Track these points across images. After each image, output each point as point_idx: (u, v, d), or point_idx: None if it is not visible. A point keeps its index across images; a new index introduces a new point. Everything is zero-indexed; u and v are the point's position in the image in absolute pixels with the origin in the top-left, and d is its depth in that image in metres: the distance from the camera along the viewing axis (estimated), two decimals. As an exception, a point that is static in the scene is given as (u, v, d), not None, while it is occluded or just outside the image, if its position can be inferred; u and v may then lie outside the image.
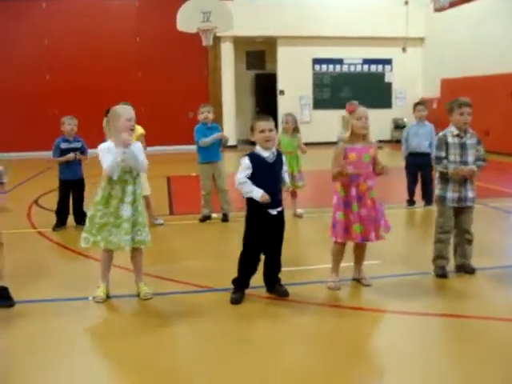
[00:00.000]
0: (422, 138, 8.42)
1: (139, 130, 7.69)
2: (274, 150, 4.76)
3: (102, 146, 4.78)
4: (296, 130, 8.13)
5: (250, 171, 4.64)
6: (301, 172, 8.09)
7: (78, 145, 7.63)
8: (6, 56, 18.28)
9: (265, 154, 4.70)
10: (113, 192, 4.74)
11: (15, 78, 18.38)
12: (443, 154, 5.20)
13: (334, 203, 5.01)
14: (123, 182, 4.75)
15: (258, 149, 4.72)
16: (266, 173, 4.66)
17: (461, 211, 5.30)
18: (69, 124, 7.57)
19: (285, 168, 4.89)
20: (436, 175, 5.40)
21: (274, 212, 4.70)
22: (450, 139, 5.21)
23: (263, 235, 4.75)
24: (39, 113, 17.92)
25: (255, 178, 4.64)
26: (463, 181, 5.20)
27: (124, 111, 4.77)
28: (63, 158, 7.53)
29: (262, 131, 4.66)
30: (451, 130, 5.22)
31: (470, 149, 5.20)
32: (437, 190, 5.37)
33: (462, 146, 5.19)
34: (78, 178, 7.66)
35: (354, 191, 4.91)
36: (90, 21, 18.65)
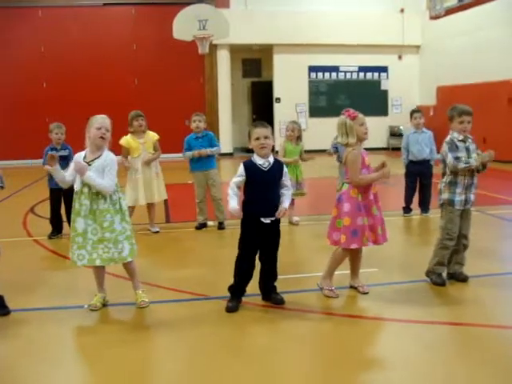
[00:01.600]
0: (423, 145, 8.43)
1: (154, 136, 7.76)
2: (270, 158, 4.74)
3: (75, 156, 4.89)
4: (299, 138, 8.17)
5: (241, 178, 4.66)
6: (303, 180, 8.17)
7: (66, 153, 7.57)
8: (2, 63, 18.28)
9: (259, 161, 4.69)
10: (74, 204, 4.77)
11: (11, 85, 18.38)
12: (459, 153, 5.15)
13: (347, 211, 4.89)
14: (81, 194, 4.75)
15: (255, 156, 4.72)
16: (259, 180, 4.65)
17: (461, 217, 5.30)
18: (56, 133, 7.57)
19: (287, 183, 4.84)
20: (444, 179, 5.29)
21: (266, 221, 4.68)
22: (457, 143, 5.21)
23: (256, 242, 4.74)
24: (36, 120, 17.86)
25: (250, 186, 4.67)
26: (469, 184, 5.21)
27: (95, 120, 4.77)
28: (46, 167, 7.50)
29: (258, 138, 4.66)
30: (455, 135, 5.21)
31: (473, 153, 5.21)
32: (445, 195, 5.27)
33: (467, 150, 5.20)
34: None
35: (371, 195, 4.93)
36: (86, 28, 18.69)
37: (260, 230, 4.69)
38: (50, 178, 7.63)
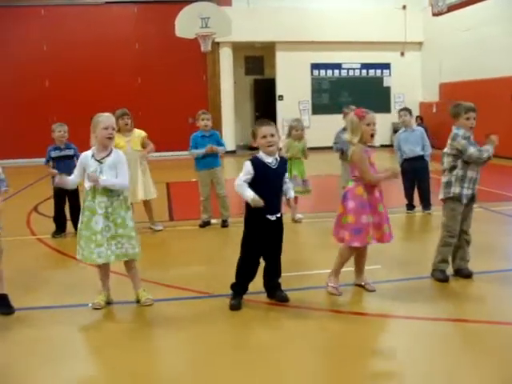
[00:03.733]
0: (414, 144, 8.44)
1: (141, 133, 7.69)
2: (277, 155, 4.75)
3: (81, 155, 4.89)
4: (302, 136, 8.22)
5: (250, 176, 4.63)
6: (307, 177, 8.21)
7: (70, 152, 7.57)
8: (5, 62, 18.32)
9: (268, 159, 4.69)
10: (87, 203, 4.76)
11: (14, 84, 18.42)
12: (473, 147, 5.14)
13: (351, 208, 4.88)
14: (96, 193, 4.73)
15: (261, 154, 4.71)
16: (268, 178, 4.65)
17: (463, 213, 5.30)
18: (59, 131, 7.54)
19: (287, 175, 4.90)
20: (455, 173, 5.23)
21: (272, 218, 4.69)
22: (472, 139, 5.23)
23: (261, 240, 4.75)
24: (39, 119, 17.88)
25: (257, 184, 4.63)
26: (475, 179, 5.24)
27: (102, 119, 4.78)
28: (49, 170, 7.51)
29: (264, 137, 4.66)
30: (462, 132, 5.19)
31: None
32: (455, 188, 5.22)
33: (474, 144, 5.22)
34: None
35: (377, 192, 4.93)
36: (88, 27, 18.71)
37: (266, 227, 4.70)
38: (54, 176, 7.64)
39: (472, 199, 5.30)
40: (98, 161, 4.76)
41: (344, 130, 7.12)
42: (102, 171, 4.73)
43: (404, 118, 8.61)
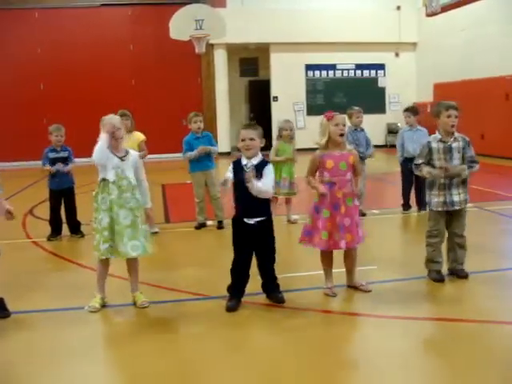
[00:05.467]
0: (418, 143, 8.43)
1: (140, 136, 7.72)
2: (254, 160, 4.75)
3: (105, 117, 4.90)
4: (292, 137, 8.19)
5: (231, 174, 4.72)
6: (295, 179, 8.14)
7: (65, 154, 7.63)
8: (-1, 65, 18.30)
9: (244, 161, 4.76)
10: (112, 197, 4.77)
11: (8, 87, 18.39)
12: (420, 160, 5.32)
13: (309, 211, 5.05)
14: (118, 187, 4.78)
15: (242, 156, 4.80)
16: (242, 180, 4.65)
17: (451, 215, 5.31)
18: (56, 135, 7.60)
19: (267, 180, 4.72)
20: (426, 180, 5.40)
21: (250, 221, 4.71)
22: (433, 145, 5.26)
23: (246, 243, 4.77)
24: (33, 122, 17.88)
25: (235, 185, 4.73)
26: (448, 185, 5.22)
27: (106, 121, 4.83)
28: (46, 168, 7.55)
29: (243, 140, 4.76)
30: (435, 135, 5.26)
31: (456, 152, 5.22)
32: (426, 196, 5.39)
33: (447, 150, 5.21)
34: (66, 188, 7.62)
35: (328, 198, 4.91)
36: (83, 29, 18.69)
37: (247, 231, 4.73)
38: (51, 178, 7.65)
39: (451, 204, 5.25)
40: (119, 158, 4.83)
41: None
42: (124, 169, 4.82)
43: (407, 119, 8.64)
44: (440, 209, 5.26)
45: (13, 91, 18.39)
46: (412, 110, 8.87)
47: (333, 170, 4.91)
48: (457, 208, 5.26)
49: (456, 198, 5.23)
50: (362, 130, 8.43)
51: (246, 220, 4.71)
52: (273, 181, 4.87)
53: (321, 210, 4.91)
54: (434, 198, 5.27)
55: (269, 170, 4.76)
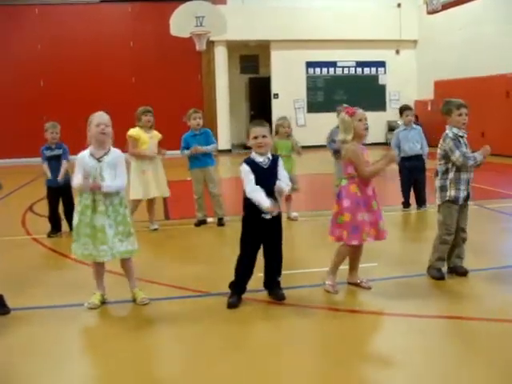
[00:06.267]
0: (414, 142, 8.47)
1: (159, 134, 7.82)
2: (269, 155, 4.78)
3: (78, 156, 4.82)
4: (290, 133, 8.17)
5: (253, 176, 4.65)
6: (295, 175, 8.10)
7: (59, 152, 7.60)
8: (-1, 62, 18.27)
9: (259, 159, 4.73)
10: (86, 201, 4.74)
11: (8, 83, 18.39)
12: (464, 149, 5.17)
13: (347, 206, 4.87)
14: (96, 191, 4.71)
15: (254, 154, 4.76)
16: (260, 178, 4.67)
17: (459, 211, 5.31)
18: (51, 132, 7.59)
19: (284, 173, 4.85)
20: (449, 176, 5.24)
21: (268, 216, 4.69)
22: (460, 139, 5.23)
23: (258, 239, 4.77)
24: (33, 118, 17.84)
25: None
26: (469, 179, 5.26)
27: (94, 117, 4.80)
28: (46, 171, 7.55)
29: (256, 137, 4.72)
30: (454, 131, 5.20)
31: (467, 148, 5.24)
32: (451, 192, 5.23)
33: (466, 145, 5.23)
34: (63, 185, 7.60)
35: (371, 190, 4.93)
36: (83, 26, 18.67)
37: (262, 226, 4.71)
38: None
39: (467, 197, 5.31)
40: (96, 159, 4.75)
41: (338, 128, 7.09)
42: (102, 170, 4.72)
43: (411, 117, 8.64)
44: (462, 203, 5.27)
45: (12, 88, 18.38)
46: (411, 109, 8.89)
47: (367, 162, 4.92)
48: (468, 202, 5.33)
49: (469, 192, 5.31)
50: None
51: (264, 215, 4.68)
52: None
53: (370, 203, 4.91)
54: (461, 193, 5.23)
55: (281, 162, 4.88)
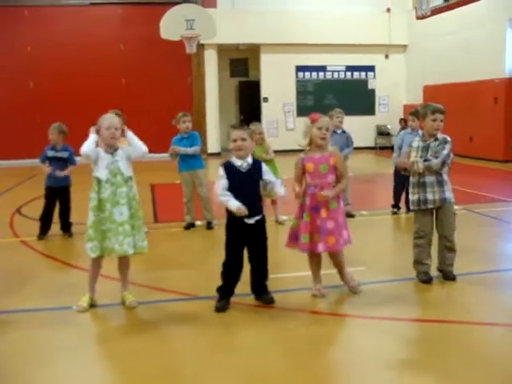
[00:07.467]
0: None
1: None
2: (248, 159, 4.76)
3: (88, 141, 4.79)
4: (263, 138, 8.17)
5: (225, 181, 4.67)
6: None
7: (65, 154, 7.51)
8: (-14, 63, 18.17)
9: (237, 162, 4.73)
10: (104, 195, 4.71)
11: (-2, 85, 18.27)
12: (415, 153, 5.29)
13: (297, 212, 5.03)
14: (111, 184, 4.73)
15: (233, 158, 4.76)
16: (239, 182, 4.66)
17: (436, 216, 5.34)
18: (51, 134, 7.53)
19: (273, 178, 4.85)
20: (411, 180, 5.42)
21: (250, 221, 4.70)
22: (414, 143, 5.35)
23: (242, 244, 4.77)
24: (23, 120, 17.78)
25: (230, 187, 4.68)
26: (422, 183, 5.26)
27: (104, 120, 4.81)
28: (43, 168, 7.51)
29: (234, 140, 4.72)
30: (419, 132, 5.30)
31: (432, 152, 5.24)
32: (411, 195, 5.40)
33: (425, 149, 5.26)
34: (62, 186, 7.56)
35: (308, 200, 4.91)
36: (72, 28, 18.59)
37: (245, 231, 4.72)
38: (47, 176, 7.57)
39: (424, 203, 5.28)
40: (110, 154, 4.79)
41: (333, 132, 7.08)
42: (117, 162, 4.77)
43: (412, 123, 8.62)
44: (416, 207, 5.32)
45: (2, 90, 18.24)
46: (416, 115, 8.88)
47: (313, 172, 4.89)
48: (430, 206, 5.29)
49: (430, 197, 5.26)
50: (344, 131, 8.37)
51: (246, 220, 4.68)
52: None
53: (303, 214, 4.91)
54: (411, 197, 5.35)
55: (266, 169, 4.88)
